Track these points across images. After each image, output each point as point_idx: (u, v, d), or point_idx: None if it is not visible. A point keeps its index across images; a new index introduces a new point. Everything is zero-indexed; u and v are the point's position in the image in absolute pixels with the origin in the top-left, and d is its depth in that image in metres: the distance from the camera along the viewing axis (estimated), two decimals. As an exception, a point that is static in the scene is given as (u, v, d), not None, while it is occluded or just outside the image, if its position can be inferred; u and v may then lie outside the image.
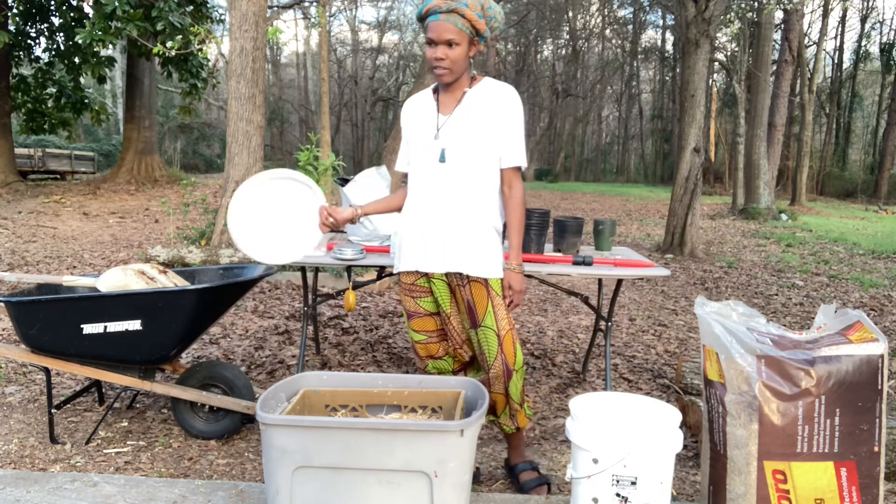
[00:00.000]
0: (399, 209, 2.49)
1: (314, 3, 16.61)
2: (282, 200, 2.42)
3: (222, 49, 21.27)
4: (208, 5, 13.45)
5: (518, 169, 2.35)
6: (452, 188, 2.29)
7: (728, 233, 12.19)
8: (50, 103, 15.65)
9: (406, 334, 4.72)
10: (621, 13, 33.03)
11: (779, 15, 15.14)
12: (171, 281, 2.86)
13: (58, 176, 17.31)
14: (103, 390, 3.31)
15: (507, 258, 2.37)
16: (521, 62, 32.49)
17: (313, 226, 2.41)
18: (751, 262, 8.62)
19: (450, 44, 2.19)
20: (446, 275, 2.36)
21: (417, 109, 2.41)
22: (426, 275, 2.39)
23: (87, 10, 12.85)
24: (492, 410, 2.47)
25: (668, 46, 33.32)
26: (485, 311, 2.32)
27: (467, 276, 2.32)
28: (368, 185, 3.43)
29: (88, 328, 2.62)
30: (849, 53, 29.47)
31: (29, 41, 14.42)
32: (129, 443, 2.84)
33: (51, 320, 2.63)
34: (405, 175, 2.48)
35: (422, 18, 2.25)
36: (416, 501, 1.85)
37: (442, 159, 2.29)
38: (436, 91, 2.40)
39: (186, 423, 2.89)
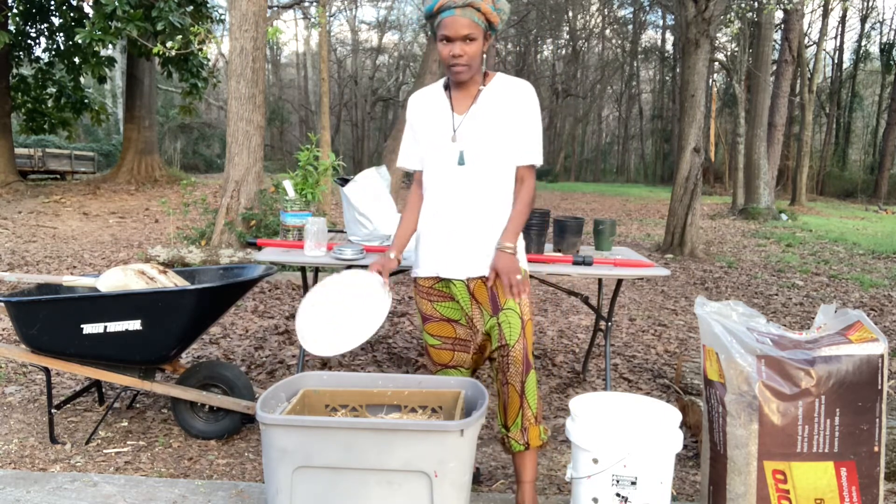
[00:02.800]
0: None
1: (314, 3, 16.61)
2: (344, 298, 2.28)
3: (222, 49, 21.27)
4: (208, 5, 13.43)
5: (533, 166, 2.26)
6: (472, 191, 2.21)
7: (728, 233, 12.18)
8: (50, 103, 15.63)
9: (407, 334, 4.72)
10: (621, 13, 33.05)
11: (779, 15, 15.14)
12: (171, 281, 2.86)
13: (58, 176, 17.30)
14: (103, 390, 3.31)
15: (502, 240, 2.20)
16: (521, 62, 32.49)
17: (369, 318, 2.23)
18: (751, 262, 8.62)
19: (467, 39, 2.09)
20: (467, 278, 2.27)
21: (429, 107, 2.29)
22: (446, 279, 2.29)
23: (87, 10, 12.84)
24: (502, 420, 2.27)
25: (668, 46, 33.32)
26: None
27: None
28: (368, 185, 3.42)
29: (88, 328, 2.62)
30: (849, 53, 29.50)
31: (29, 41, 14.41)
32: (129, 443, 2.84)
33: (51, 320, 2.63)
34: (405, 175, 2.43)
35: (431, 15, 2.12)
36: (416, 501, 1.85)
37: (461, 162, 2.20)
38: (447, 88, 2.28)
39: (186, 423, 2.89)
